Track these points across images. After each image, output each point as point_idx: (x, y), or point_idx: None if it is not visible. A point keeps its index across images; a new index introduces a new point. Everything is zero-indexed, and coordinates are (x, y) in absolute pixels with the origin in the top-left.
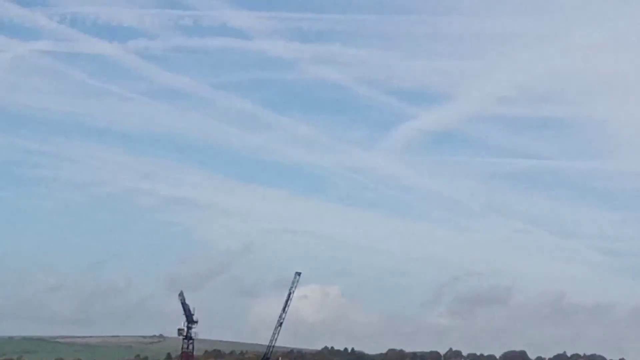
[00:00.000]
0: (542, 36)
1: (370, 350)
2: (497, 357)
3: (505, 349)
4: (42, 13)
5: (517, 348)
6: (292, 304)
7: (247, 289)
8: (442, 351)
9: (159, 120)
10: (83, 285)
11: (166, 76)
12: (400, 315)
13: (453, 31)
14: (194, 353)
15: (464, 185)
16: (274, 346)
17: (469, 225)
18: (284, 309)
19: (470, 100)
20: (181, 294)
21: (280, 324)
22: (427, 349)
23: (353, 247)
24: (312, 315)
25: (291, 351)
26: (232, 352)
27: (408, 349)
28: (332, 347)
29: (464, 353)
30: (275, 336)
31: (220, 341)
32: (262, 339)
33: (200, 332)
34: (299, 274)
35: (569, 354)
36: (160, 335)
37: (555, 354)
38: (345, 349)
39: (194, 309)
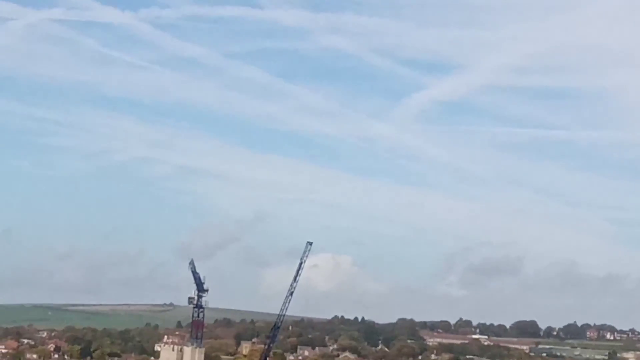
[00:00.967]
0: (555, 6)
1: (380, 319)
2: (507, 327)
3: (516, 319)
4: None
5: (528, 318)
6: (303, 273)
7: (259, 258)
8: (452, 321)
9: (171, 89)
10: (94, 254)
11: (178, 45)
12: (411, 285)
13: (466, 0)
14: (204, 321)
15: (476, 155)
16: (284, 315)
17: (481, 195)
18: (295, 279)
19: (483, 70)
20: (191, 263)
21: (291, 294)
22: (437, 319)
23: (365, 217)
24: (323, 285)
25: (301, 320)
26: (242, 321)
27: (418, 318)
28: (342, 316)
29: (474, 323)
30: (286, 305)
31: (231, 310)
32: (273, 308)
33: (210, 300)
34: (310, 243)
35: (579, 324)
36: (171, 304)
37: (565, 323)
38: (356, 318)
39: (204, 277)
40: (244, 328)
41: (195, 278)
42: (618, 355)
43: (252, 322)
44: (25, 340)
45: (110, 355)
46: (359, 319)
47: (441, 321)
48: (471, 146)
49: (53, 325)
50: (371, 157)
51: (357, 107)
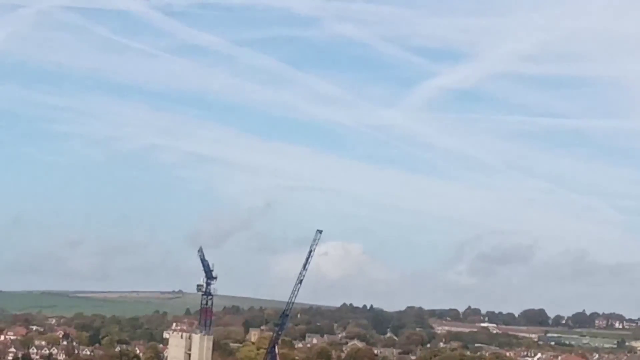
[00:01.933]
0: None
1: (389, 307)
2: (516, 315)
3: (524, 307)
4: None
5: (537, 306)
6: (313, 260)
7: (268, 245)
8: (461, 309)
9: (181, 77)
10: (103, 241)
11: (189, 33)
12: (420, 273)
13: None
14: (213, 309)
15: (486, 143)
16: (293, 303)
17: (491, 183)
18: (304, 266)
19: (493, 58)
20: (200, 250)
21: (300, 281)
22: (446, 307)
23: (375, 205)
24: (333, 272)
25: (310, 308)
26: (251, 308)
27: (427, 306)
28: (350, 304)
29: (483, 311)
30: (295, 293)
31: (240, 297)
32: (282, 296)
33: (219, 288)
34: (320, 231)
35: (588, 313)
36: (180, 291)
37: (574, 312)
38: (364, 306)
39: (213, 265)
40: (253, 315)
41: (204, 265)
42: (627, 343)
43: (261, 309)
44: (34, 327)
45: (119, 342)
46: (368, 307)
47: (450, 309)
48: (481, 134)
49: (62, 312)
50: (381, 145)
51: (368, 95)
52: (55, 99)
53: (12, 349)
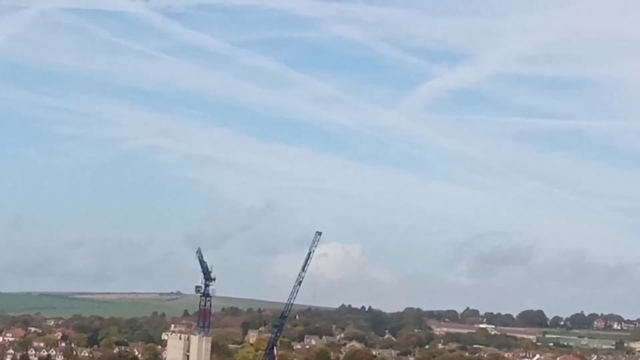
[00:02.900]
0: None
1: (387, 308)
2: (514, 316)
3: (523, 309)
4: None
5: (535, 308)
6: (312, 262)
7: (267, 247)
8: (460, 310)
9: (181, 78)
10: (102, 242)
11: (189, 34)
12: (419, 274)
13: None
14: (212, 310)
15: (485, 144)
16: (292, 304)
17: (490, 184)
18: (303, 268)
19: (492, 60)
20: (199, 251)
21: (299, 283)
22: (444, 308)
23: (374, 206)
24: (332, 274)
25: (309, 309)
26: (249, 310)
27: (425, 307)
28: (349, 305)
29: (481, 312)
30: (294, 294)
31: (238, 299)
32: (281, 297)
33: (218, 289)
34: (319, 233)
35: (586, 314)
36: (178, 292)
37: (572, 313)
38: (363, 307)
39: (211, 266)
40: (251, 317)
41: (202, 267)
42: (625, 345)
43: (260, 311)
44: (33, 329)
45: (118, 343)
46: (366, 308)
47: (448, 310)
48: (480, 136)
49: (60, 314)
50: (381, 147)
51: (367, 97)
52: (55, 101)
53: (11, 351)
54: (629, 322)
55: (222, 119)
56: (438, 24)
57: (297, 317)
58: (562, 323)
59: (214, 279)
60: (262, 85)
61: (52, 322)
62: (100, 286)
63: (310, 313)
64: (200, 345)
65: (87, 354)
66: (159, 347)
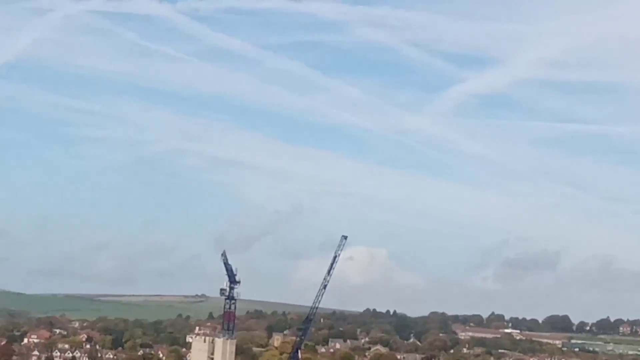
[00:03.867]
0: (593, 0)
1: (412, 312)
2: (540, 321)
3: (548, 314)
4: None
5: (561, 313)
6: (338, 265)
7: (293, 250)
8: (485, 315)
9: (208, 81)
10: (128, 245)
11: (216, 37)
12: (445, 279)
13: None
14: (236, 313)
15: (512, 149)
16: (317, 308)
17: (517, 189)
18: (328, 272)
19: (520, 64)
20: (224, 254)
21: (325, 287)
22: (469, 313)
23: (400, 210)
24: (357, 277)
25: (333, 313)
26: (274, 313)
27: (451, 312)
28: (374, 309)
29: (507, 317)
30: (319, 298)
31: (263, 302)
32: (305, 301)
33: (243, 292)
34: (345, 237)
35: (612, 319)
36: (203, 295)
37: (598, 318)
38: (388, 311)
39: (236, 269)
40: (276, 320)
41: (227, 269)
42: None
43: (284, 314)
44: (58, 330)
45: (142, 346)
46: (391, 312)
47: (473, 315)
48: (507, 140)
49: (85, 316)
50: (407, 151)
51: (394, 101)
52: (82, 103)
53: (36, 352)
54: None
55: (248, 122)
56: (466, 28)
57: (322, 320)
58: (587, 328)
59: (239, 282)
60: (289, 88)
61: (76, 324)
62: (125, 288)
63: (335, 317)
64: (224, 348)
65: (111, 356)
66: (184, 349)
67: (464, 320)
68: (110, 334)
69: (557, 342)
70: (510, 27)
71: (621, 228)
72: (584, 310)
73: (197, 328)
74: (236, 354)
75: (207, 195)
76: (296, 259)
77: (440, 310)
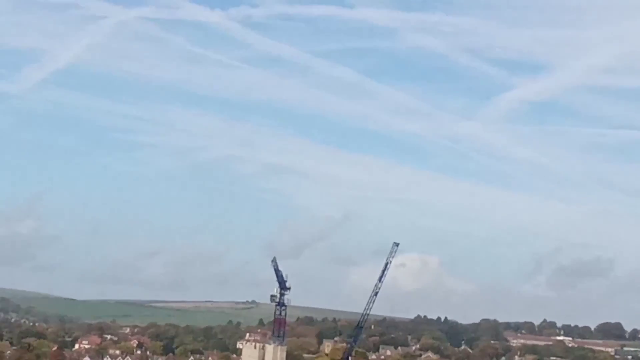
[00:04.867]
0: None
1: (463, 319)
2: (592, 328)
3: (601, 321)
4: None
5: (614, 320)
6: (389, 272)
7: (344, 257)
8: (537, 322)
9: (260, 88)
10: (179, 251)
11: (267, 43)
12: (497, 286)
13: (556, 0)
14: (287, 319)
15: (565, 155)
16: (368, 314)
17: (570, 196)
18: (380, 279)
19: (572, 71)
20: (274, 260)
21: (376, 294)
22: (521, 320)
23: (452, 217)
24: (409, 284)
25: (384, 319)
26: (324, 320)
27: (502, 319)
28: (424, 316)
29: (559, 324)
30: (370, 305)
31: (314, 308)
32: (356, 307)
33: (293, 298)
34: (397, 244)
35: None
36: (253, 301)
37: None
38: (438, 318)
39: (286, 275)
40: (327, 327)
41: (277, 276)
42: None
43: (335, 320)
44: (109, 336)
45: (193, 352)
46: (442, 319)
47: (525, 322)
48: (560, 147)
49: (136, 322)
50: (459, 157)
51: (445, 107)
52: (133, 110)
53: (87, 358)
54: None
55: (299, 129)
56: (517, 34)
57: (373, 327)
58: None
59: (289, 288)
60: (340, 94)
61: (127, 330)
62: (176, 294)
63: (386, 323)
64: (275, 354)
65: None
66: (234, 355)
67: (516, 328)
68: (161, 340)
69: (610, 349)
70: (561, 33)
71: None
72: (637, 317)
73: (247, 334)
74: None
75: (258, 201)
76: (347, 265)
77: (491, 317)
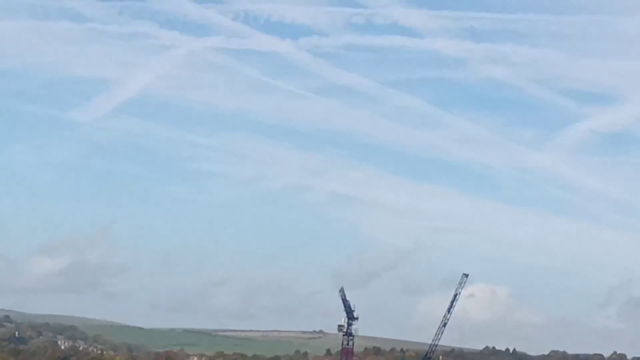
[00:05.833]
0: None
1: (532, 351)
2: None
3: None
4: (216, 10)
5: None
6: (458, 302)
7: (413, 287)
8: (606, 354)
9: (328, 117)
10: (247, 280)
11: (336, 73)
12: (567, 317)
13: (626, 31)
14: (354, 349)
15: (635, 186)
16: (436, 345)
17: None
18: (449, 310)
19: None
20: (341, 290)
21: (445, 324)
22: (590, 352)
23: (522, 248)
24: (478, 315)
25: (452, 350)
26: (392, 350)
27: (571, 350)
28: (493, 347)
29: (629, 356)
30: (439, 335)
31: (381, 338)
32: (425, 338)
33: (361, 328)
34: (466, 275)
35: None
36: (321, 331)
37: None
38: (507, 349)
39: (354, 305)
40: (394, 357)
41: (345, 305)
42: None
43: (402, 351)
44: None
45: None
46: (511, 350)
47: (595, 354)
48: (630, 178)
49: (203, 351)
50: (529, 188)
51: (515, 137)
52: (203, 139)
53: None
54: None
55: (368, 158)
56: (588, 65)
57: (441, 358)
58: None
59: (357, 318)
60: (410, 124)
61: (195, 359)
62: (243, 323)
63: (454, 354)
64: None
65: None
66: None
67: (585, 359)
68: None
69: None
70: (632, 64)
71: None
72: None
73: None
74: None
75: (327, 231)
76: (416, 295)
77: (561, 349)
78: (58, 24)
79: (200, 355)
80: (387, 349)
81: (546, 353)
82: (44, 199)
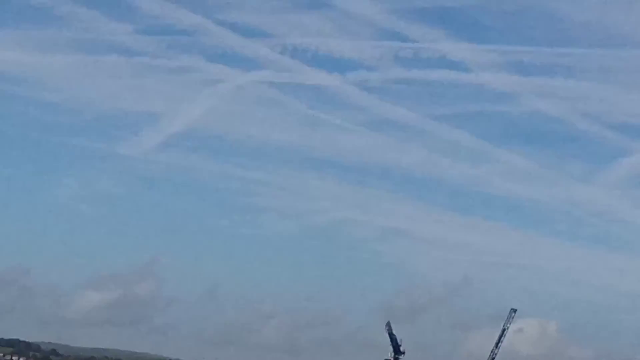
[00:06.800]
0: None
1: None
2: None
3: None
4: (264, 43)
5: None
6: (506, 338)
7: (460, 322)
8: None
9: (376, 151)
10: (294, 314)
11: (385, 107)
12: (616, 353)
13: None
14: None
15: None
16: None
17: None
18: (496, 345)
19: None
20: (388, 324)
21: (493, 359)
22: None
23: (572, 283)
24: (526, 350)
25: None
26: None
27: None
28: None
29: None
30: None
31: None
32: None
33: None
34: (514, 310)
35: None
36: None
37: None
38: None
39: (401, 339)
40: None
41: (391, 340)
42: None
43: None
44: None
45: None
46: None
47: None
48: None
49: None
50: (578, 222)
51: (564, 171)
52: (251, 173)
53: None
54: None
55: (416, 192)
56: (638, 99)
57: None
58: None
59: (404, 353)
60: (457, 158)
61: None
62: (289, 357)
63: None
64: None
65: None
66: None
67: None
68: None
69: None
70: None
71: None
72: None
73: None
74: None
75: (374, 265)
76: (463, 330)
77: None
78: (107, 58)
79: None
80: None
81: None
82: (93, 232)
